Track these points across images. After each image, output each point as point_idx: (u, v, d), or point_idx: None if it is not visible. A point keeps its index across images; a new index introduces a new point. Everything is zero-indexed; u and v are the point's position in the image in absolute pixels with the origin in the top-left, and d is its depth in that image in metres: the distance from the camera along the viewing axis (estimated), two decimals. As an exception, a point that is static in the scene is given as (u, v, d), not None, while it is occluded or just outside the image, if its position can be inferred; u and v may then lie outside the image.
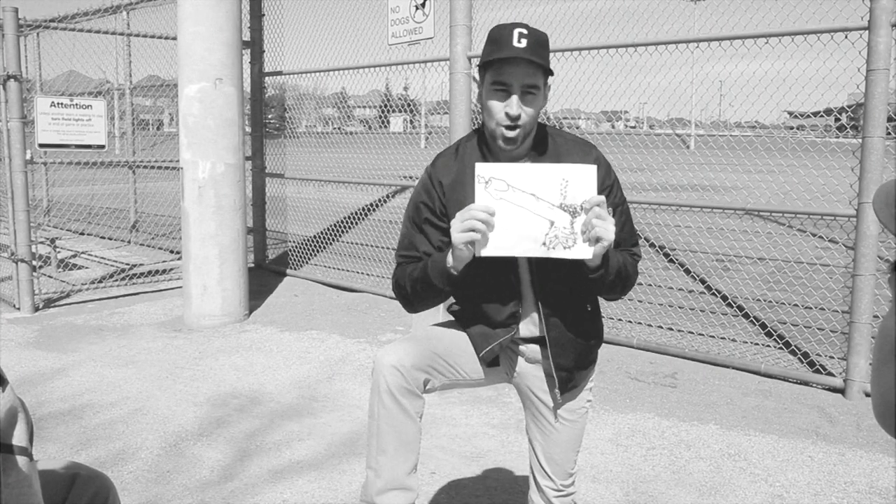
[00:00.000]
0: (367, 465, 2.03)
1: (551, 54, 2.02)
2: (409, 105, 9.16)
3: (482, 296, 2.06)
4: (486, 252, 1.83)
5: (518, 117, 1.88)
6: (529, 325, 2.09)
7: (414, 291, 2.04)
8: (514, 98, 1.87)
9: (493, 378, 2.19)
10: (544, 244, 1.81)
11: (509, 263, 2.01)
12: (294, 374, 4.65)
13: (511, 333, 2.07)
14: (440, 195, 2.04)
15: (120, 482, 3.18)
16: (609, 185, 2.01)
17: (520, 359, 2.15)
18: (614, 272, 1.92)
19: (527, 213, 1.80)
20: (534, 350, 2.12)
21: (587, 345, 2.11)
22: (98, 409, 4.05)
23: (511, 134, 1.90)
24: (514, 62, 1.86)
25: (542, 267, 2.00)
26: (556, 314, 2.03)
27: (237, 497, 3.09)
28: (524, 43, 1.84)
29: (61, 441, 3.63)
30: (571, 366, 2.09)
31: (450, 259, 1.90)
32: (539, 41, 1.88)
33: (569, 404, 2.15)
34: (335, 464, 3.40)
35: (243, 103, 6.17)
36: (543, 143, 2.02)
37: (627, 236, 2.05)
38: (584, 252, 1.81)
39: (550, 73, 1.91)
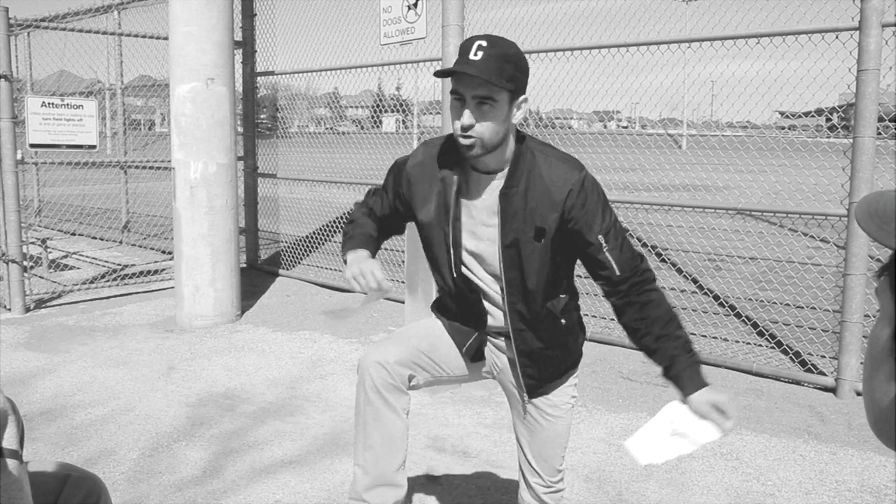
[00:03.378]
0: (354, 462, 2.04)
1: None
2: (401, 105, 9.16)
3: (455, 313, 2.15)
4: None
5: (469, 127, 1.89)
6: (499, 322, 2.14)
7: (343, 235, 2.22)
8: (466, 109, 1.89)
9: (477, 374, 2.23)
10: None
11: (476, 290, 2.08)
12: (286, 374, 4.64)
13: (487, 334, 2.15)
14: (406, 184, 2.10)
15: (110, 482, 3.17)
16: (577, 205, 1.93)
17: (502, 355, 2.18)
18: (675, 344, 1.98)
19: None
20: (508, 346, 2.16)
21: (558, 357, 2.12)
22: (88, 410, 4.03)
23: (465, 142, 1.90)
24: (465, 74, 1.87)
25: (512, 287, 2.01)
26: (526, 330, 2.05)
27: (227, 496, 3.08)
28: (479, 56, 1.85)
29: (51, 441, 3.61)
30: (540, 377, 2.11)
31: (345, 253, 2.08)
32: (500, 55, 1.86)
33: (553, 400, 2.16)
34: (327, 463, 3.40)
35: (235, 103, 6.16)
36: (522, 161, 1.97)
37: (629, 259, 2.07)
38: None
39: (507, 88, 1.87)
